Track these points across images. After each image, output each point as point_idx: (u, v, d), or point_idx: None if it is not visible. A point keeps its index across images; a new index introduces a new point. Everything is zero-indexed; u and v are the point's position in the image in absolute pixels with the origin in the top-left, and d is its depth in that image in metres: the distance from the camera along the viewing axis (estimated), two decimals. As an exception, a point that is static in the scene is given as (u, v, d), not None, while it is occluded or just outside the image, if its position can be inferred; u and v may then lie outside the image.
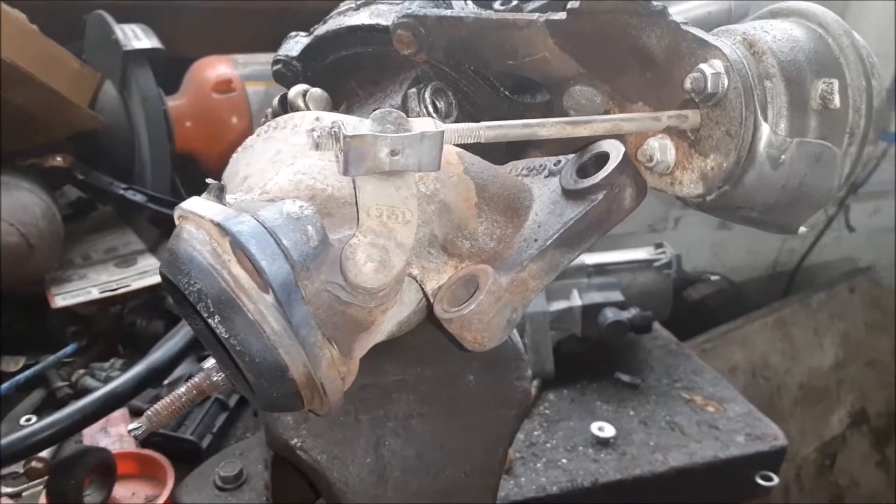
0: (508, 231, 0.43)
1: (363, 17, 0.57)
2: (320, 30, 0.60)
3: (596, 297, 1.18)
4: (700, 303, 2.65)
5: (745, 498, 1.09)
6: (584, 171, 0.42)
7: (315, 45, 0.60)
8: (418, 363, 0.60)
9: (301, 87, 0.55)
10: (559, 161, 0.45)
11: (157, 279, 1.21)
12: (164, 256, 0.46)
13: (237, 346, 0.42)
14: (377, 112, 0.39)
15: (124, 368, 1.12)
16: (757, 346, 2.49)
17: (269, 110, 0.58)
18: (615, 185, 0.40)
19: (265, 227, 0.39)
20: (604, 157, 0.42)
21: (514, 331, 0.66)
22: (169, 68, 1.46)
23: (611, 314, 1.17)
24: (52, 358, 1.11)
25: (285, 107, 0.56)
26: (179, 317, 1.20)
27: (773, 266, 2.87)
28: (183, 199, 1.42)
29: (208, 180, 0.47)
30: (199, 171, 1.54)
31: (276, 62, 0.62)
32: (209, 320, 0.42)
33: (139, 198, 1.29)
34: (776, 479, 1.07)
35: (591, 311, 1.17)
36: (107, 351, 1.17)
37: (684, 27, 0.45)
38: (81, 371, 1.11)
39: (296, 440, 0.57)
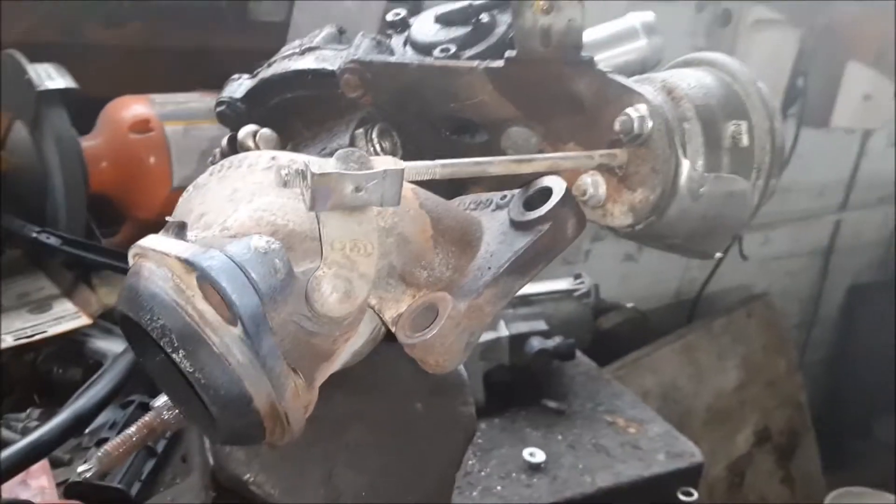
0: (462, 261, 0.46)
1: (309, 62, 0.60)
2: (265, 73, 0.63)
3: (522, 327, 1.23)
4: (611, 331, 2.76)
5: (668, 513, 1.15)
6: (530, 205, 0.46)
7: (260, 87, 0.62)
8: (367, 393, 0.62)
9: (251, 127, 0.57)
10: (505, 196, 0.49)
11: (74, 325, 1.17)
12: (123, 294, 0.46)
13: (202, 379, 0.43)
14: (340, 152, 0.42)
15: (42, 418, 1.07)
16: (666, 371, 2.61)
17: (217, 150, 0.59)
18: (559, 217, 0.45)
19: (234, 262, 0.41)
20: (547, 192, 0.46)
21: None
22: (78, 109, 1.43)
23: (536, 343, 1.21)
24: (-38, 410, 1.05)
25: (234, 147, 0.58)
26: (99, 363, 1.16)
27: (676, 294, 3.02)
28: (98, 242, 1.39)
29: (168, 218, 0.48)
30: (114, 212, 1.50)
31: (219, 103, 0.64)
32: (173, 355, 0.43)
33: (53, 241, 1.25)
34: (696, 495, 1.14)
35: (517, 341, 1.22)
36: (22, 400, 1.12)
37: (610, 75, 0.51)
38: (-5, 423, 1.05)
39: (248, 475, 0.57)
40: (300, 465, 0.59)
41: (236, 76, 0.66)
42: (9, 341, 1.11)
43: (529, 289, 1.30)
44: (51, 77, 1.32)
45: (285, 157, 0.50)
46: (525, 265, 0.45)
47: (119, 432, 0.88)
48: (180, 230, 0.46)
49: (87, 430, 1.04)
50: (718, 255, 0.53)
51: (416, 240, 0.46)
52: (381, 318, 0.48)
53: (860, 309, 3.43)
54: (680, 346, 2.65)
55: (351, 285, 0.43)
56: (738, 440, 2.76)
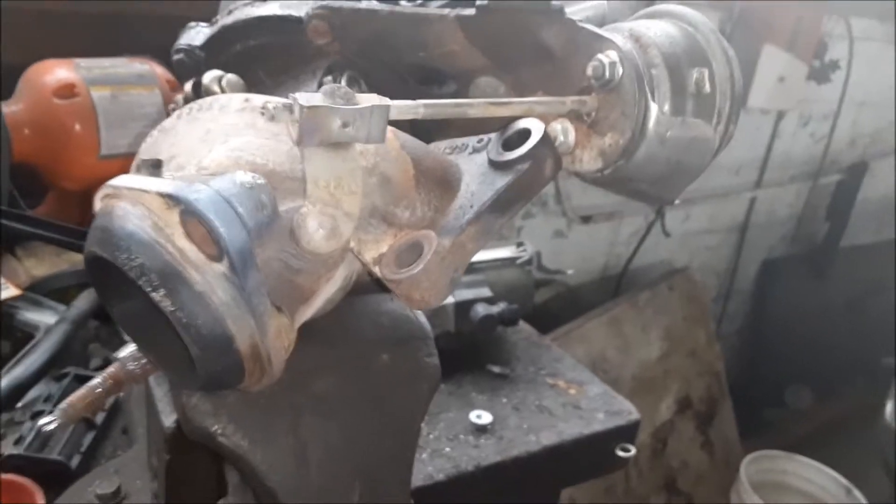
0: (444, 201, 0.47)
1: (274, 8, 0.59)
2: (226, 20, 0.61)
3: (467, 294, 1.25)
4: (543, 306, 2.83)
5: (609, 469, 1.20)
6: (508, 146, 0.47)
7: (221, 34, 0.61)
8: (333, 345, 0.62)
9: (216, 72, 0.56)
10: (482, 139, 0.50)
11: (2, 296, 1.12)
12: (95, 235, 0.45)
13: (183, 318, 0.42)
14: (326, 87, 0.41)
15: (-29, 393, 1.01)
16: (595, 343, 2.69)
17: (180, 96, 0.58)
18: (538, 157, 0.46)
19: (221, 195, 0.40)
20: (526, 133, 0.47)
21: (422, 314, 0.70)
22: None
23: (481, 309, 1.23)
24: None
25: (198, 93, 0.56)
26: (30, 335, 1.11)
27: (604, 269, 3.12)
28: (23, 212, 1.32)
29: (138, 158, 0.46)
30: (37, 183, 1.43)
31: (177, 51, 0.62)
32: (153, 294, 0.42)
33: (-26, 210, 1.18)
34: (633, 450, 1.19)
35: (463, 308, 1.23)
36: (-55, 376, 1.06)
37: (580, 24, 0.52)
38: (-82, 399, 0.99)
39: (216, 427, 0.57)
40: (268, 415, 0.58)
41: (192, 24, 0.64)
42: (-71, 314, 1.05)
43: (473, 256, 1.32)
44: (-34, 38, 1.24)
45: (259, 98, 0.49)
46: (506, 203, 0.46)
47: (55, 405, 0.85)
48: (155, 168, 0.45)
49: (20, 404, 1.00)
50: (677, 201, 0.55)
51: (399, 180, 0.47)
52: (360, 260, 0.48)
53: (773, 282, 3.63)
54: (607, 319, 2.74)
55: (336, 223, 0.43)
56: (661, 408, 2.88)
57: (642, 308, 2.88)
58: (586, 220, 2.81)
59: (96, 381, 0.53)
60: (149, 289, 0.42)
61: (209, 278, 0.42)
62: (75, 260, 1.27)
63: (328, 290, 0.49)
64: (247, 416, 0.58)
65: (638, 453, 2.84)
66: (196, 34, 0.62)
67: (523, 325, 1.42)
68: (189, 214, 0.40)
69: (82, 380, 1.06)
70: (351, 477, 0.60)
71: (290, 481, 0.58)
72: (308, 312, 0.49)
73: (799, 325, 3.42)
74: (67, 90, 1.38)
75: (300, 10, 0.57)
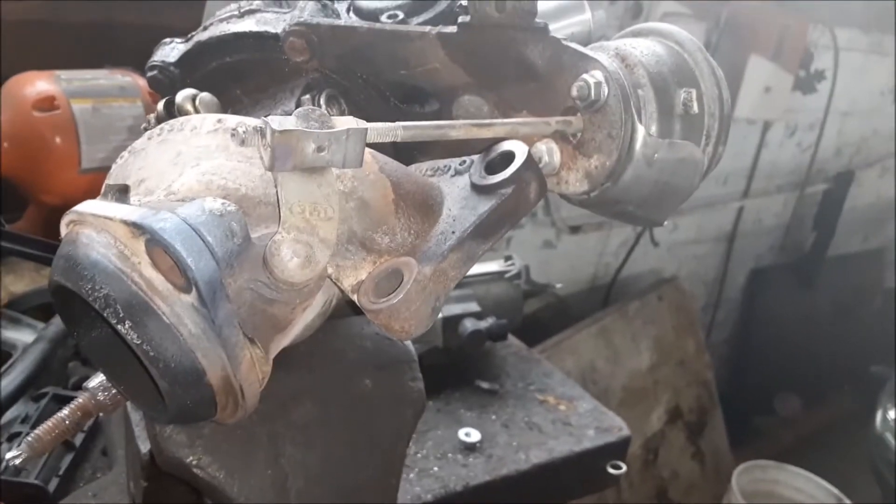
0: (424, 226, 0.45)
1: (250, 25, 0.57)
2: (201, 36, 0.59)
3: (455, 309, 1.23)
4: (532, 316, 2.82)
5: (599, 486, 1.18)
6: (491, 169, 0.46)
7: (196, 51, 0.59)
8: (314, 371, 0.61)
9: (189, 91, 0.54)
10: (464, 161, 0.48)
11: (-22, 314, 1.09)
12: (59, 263, 0.43)
13: (150, 351, 0.40)
14: (300, 110, 0.40)
15: (-56, 415, 0.99)
16: (584, 353, 2.68)
17: (153, 115, 0.56)
18: (522, 181, 0.44)
19: (188, 224, 0.39)
20: (510, 156, 0.45)
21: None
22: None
23: (470, 324, 1.21)
24: None
25: (171, 112, 0.54)
26: (8, 354, 1.08)
27: (593, 279, 3.11)
28: (2, 227, 1.29)
29: (107, 182, 0.45)
30: (16, 197, 1.41)
31: (151, 68, 0.60)
32: (118, 326, 0.40)
33: (-49, 225, 1.15)
34: (624, 467, 1.17)
35: (451, 323, 1.21)
36: (-82, 398, 1.03)
37: (565, 42, 0.51)
38: None
39: (191, 458, 0.55)
40: (246, 445, 0.56)
41: (168, 40, 0.62)
42: None
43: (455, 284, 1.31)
44: (-57, 49, 1.22)
45: (233, 119, 0.47)
46: (489, 229, 0.44)
47: (34, 427, 0.83)
48: (122, 194, 0.43)
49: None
50: (666, 222, 0.54)
51: (377, 204, 0.45)
52: (339, 287, 0.46)
53: (761, 291, 3.63)
54: (597, 330, 2.73)
55: (312, 250, 0.41)
56: (652, 418, 2.87)
57: (632, 318, 2.87)
58: (575, 230, 2.80)
59: (64, 412, 0.51)
60: (114, 320, 0.40)
61: (178, 309, 0.40)
62: (54, 276, 1.24)
63: (305, 318, 0.47)
64: (223, 447, 0.56)
65: (629, 464, 2.82)
66: (171, 50, 0.60)
67: (512, 340, 1.41)
68: (155, 243, 0.38)
69: (61, 400, 1.03)
70: (333, 506, 0.59)
71: (269, 513, 0.56)
72: (284, 342, 0.47)
73: (787, 333, 3.42)
74: (47, 103, 1.36)
75: (277, 27, 0.56)
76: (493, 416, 1.19)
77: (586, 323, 2.73)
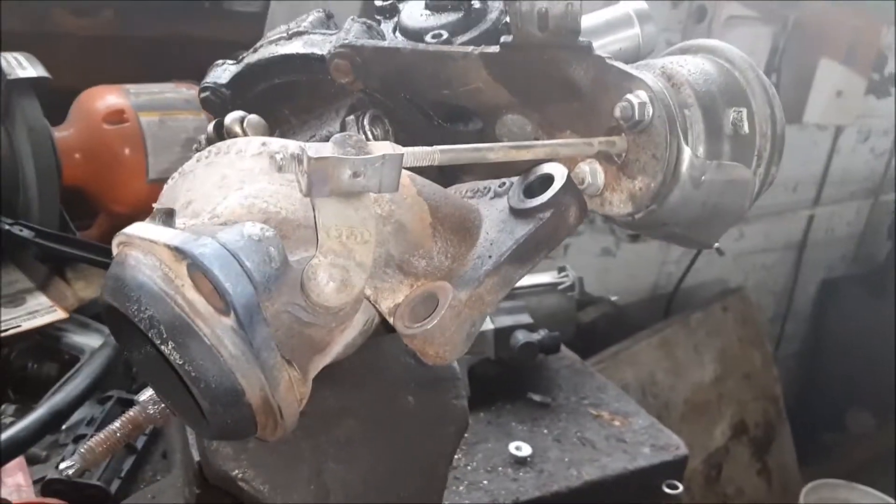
0: (462, 250, 0.45)
1: (297, 47, 0.58)
2: (251, 58, 0.61)
3: (507, 321, 1.22)
4: (590, 326, 2.77)
5: (653, 506, 1.15)
6: (530, 192, 0.45)
7: (246, 72, 0.61)
8: (357, 387, 0.61)
9: (238, 113, 0.55)
10: (503, 183, 0.48)
11: (49, 319, 1.14)
12: (108, 284, 0.44)
13: (192, 371, 0.42)
14: (337, 136, 0.40)
15: (17, 415, 1.04)
16: (644, 364, 2.62)
17: (203, 137, 0.57)
18: (561, 205, 0.44)
19: (227, 249, 0.39)
20: (549, 179, 0.45)
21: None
22: (46, 101, 1.39)
23: (521, 336, 1.20)
24: (-67, 407, 1.01)
25: (221, 133, 0.56)
26: (76, 358, 1.13)
27: (653, 289, 3.04)
28: (73, 235, 1.35)
29: (154, 206, 0.46)
30: (87, 206, 1.47)
31: (203, 89, 0.62)
32: (162, 347, 0.41)
33: (27, 233, 1.21)
34: (681, 487, 1.14)
35: (503, 334, 1.21)
36: (-5, 397, 1.09)
37: (609, 61, 0.50)
38: (-33, 421, 1.02)
39: (236, 471, 0.56)
40: (290, 460, 0.57)
41: (220, 62, 0.64)
42: (-20, 337, 1.08)
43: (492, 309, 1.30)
44: (21, 66, 1.28)
45: (276, 142, 0.48)
46: (526, 254, 0.44)
47: (98, 429, 0.86)
48: (168, 217, 0.44)
49: (64, 427, 1.02)
50: (717, 244, 0.52)
51: (414, 228, 0.45)
52: (377, 309, 0.46)
53: (833, 303, 3.49)
54: (657, 341, 2.67)
55: (348, 274, 0.42)
56: (715, 433, 2.78)
57: (694, 329, 2.79)
58: (635, 237, 2.75)
59: (115, 425, 0.53)
60: (158, 341, 0.41)
61: (218, 332, 0.41)
62: (121, 283, 1.29)
63: (344, 339, 0.47)
64: (268, 461, 0.57)
65: (690, 480, 2.74)
66: (222, 72, 0.62)
67: (566, 352, 1.39)
68: (195, 268, 0.39)
69: (125, 403, 1.07)
70: (374, 524, 0.59)
71: (311, 528, 0.57)
72: (323, 362, 0.47)
73: (860, 346, 3.27)
74: (117, 116, 1.42)
75: (323, 49, 0.57)
76: (545, 430, 1.18)
77: (646, 333, 2.67)
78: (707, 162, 0.47)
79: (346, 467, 0.59)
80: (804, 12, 2.69)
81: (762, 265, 3.26)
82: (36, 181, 1.27)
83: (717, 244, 0.52)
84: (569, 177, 0.44)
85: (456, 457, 1.10)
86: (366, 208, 0.42)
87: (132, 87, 1.48)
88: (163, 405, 0.54)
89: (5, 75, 1.25)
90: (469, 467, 1.08)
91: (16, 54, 1.31)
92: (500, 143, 0.45)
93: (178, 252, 0.40)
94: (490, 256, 0.44)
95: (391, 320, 0.45)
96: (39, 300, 1.20)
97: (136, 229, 0.44)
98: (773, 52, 2.71)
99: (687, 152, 0.46)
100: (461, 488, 1.04)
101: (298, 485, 0.57)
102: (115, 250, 0.47)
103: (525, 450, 1.10)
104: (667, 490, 1.13)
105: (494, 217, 0.46)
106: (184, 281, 0.41)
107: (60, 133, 1.39)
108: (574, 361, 1.38)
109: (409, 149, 0.42)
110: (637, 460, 1.13)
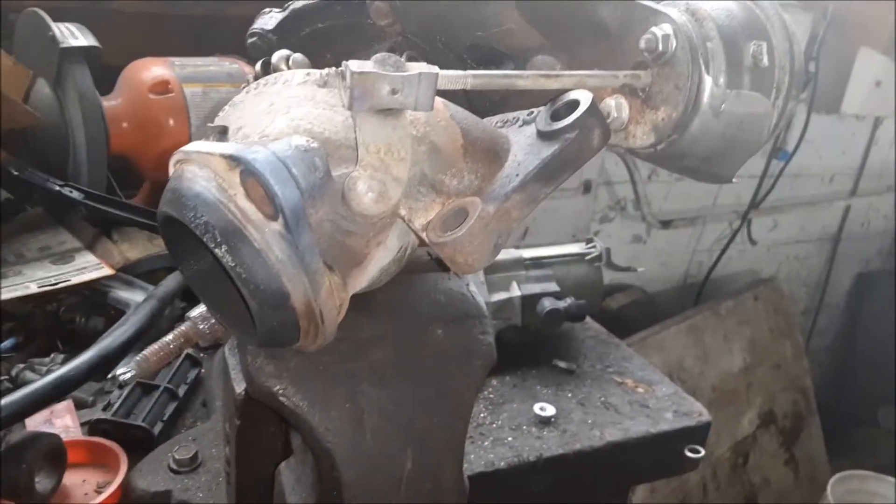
0: (491, 170, 0.48)
1: (340, -8, 0.62)
2: (296, 4, 0.65)
3: (534, 288, 1.24)
4: (618, 312, 2.78)
5: (677, 469, 1.17)
6: (556, 116, 0.48)
7: (291, 18, 0.64)
8: (390, 319, 0.64)
9: (284, 52, 0.59)
10: (531, 112, 0.51)
11: (97, 274, 1.20)
12: (166, 196, 0.48)
13: (243, 273, 0.45)
14: (378, 55, 0.44)
15: (66, 363, 1.09)
16: (673, 351, 2.62)
17: (251, 75, 0.61)
18: (586, 126, 0.46)
19: (277, 157, 0.43)
20: (574, 104, 0.48)
21: (479, 295, 0.72)
22: (94, 75, 1.45)
23: (548, 303, 1.23)
24: (-12, 352, 1.08)
25: (267, 71, 0.60)
26: (121, 312, 1.19)
27: (684, 278, 3.04)
28: (120, 199, 1.40)
29: (207, 125, 0.50)
30: (132, 174, 1.53)
31: (251, 35, 0.66)
32: (216, 250, 0.45)
33: (76, 195, 1.27)
34: (703, 452, 1.15)
35: (529, 301, 1.23)
36: (45, 349, 1.15)
37: (635, -1, 0.52)
38: (21, 366, 1.08)
39: (278, 387, 0.60)
40: (327, 380, 0.61)
41: (266, 10, 0.67)
42: (33, 289, 1.14)
43: (541, 252, 1.32)
44: (74, 35, 1.34)
45: (319, 73, 0.52)
46: (552, 172, 0.46)
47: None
48: (221, 135, 0.48)
49: (109, 375, 1.07)
50: (735, 180, 0.54)
51: (447, 149, 0.48)
52: (410, 228, 0.50)
53: (867, 297, 3.44)
54: (686, 327, 2.67)
55: (385, 187, 0.45)
56: (742, 421, 2.78)
57: (724, 317, 2.79)
58: (666, 224, 2.75)
59: (168, 337, 0.57)
60: (212, 245, 0.45)
61: (267, 237, 0.45)
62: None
63: (381, 258, 0.51)
64: (307, 380, 0.61)
65: (716, 467, 2.73)
66: (269, 19, 0.66)
67: (592, 323, 1.41)
68: (248, 174, 0.43)
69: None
70: (404, 443, 0.62)
71: (347, 444, 0.61)
72: (362, 278, 0.51)
73: (893, 342, 3.22)
74: (162, 86, 1.47)
75: (365, -7, 0.60)
76: (569, 394, 1.20)
77: (675, 320, 2.67)
78: (727, 91, 0.49)
79: (379, 391, 0.62)
80: (845, 0, 2.66)
81: (795, 256, 3.23)
82: (86, 146, 1.34)
83: (735, 179, 0.54)
84: (594, 101, 0.47)
85: (481, 415, 1.13)
86: (402, 128, 0.46)
87: (177, 60, 1.53)
88: (211, 322, 0.58)
89: (59, 43, 1.31)
90: (494, 425, 1.11)
91: (69, 24, 1.37)
92: (530, 72, 0.48)
93: (232, 159, 0.44)
94: (517, 175, 0.47)
95: (423, 235, 0.48)
96: (87, 258, 1.26)
97: (193, 146, 0.48)
98: (812, 40, 2.68)
99: (708, 82, 0.48)
100: (486, 443, 1.07)
101: (335, 403, 0.60)
102: (171, 169, 0.51)
103: (549, 410, 1.13)
104: (689, 454, 1.14)
105: (522, 142, 0.49)
106: (236, 190, 0.45)
107: (108, 103, 1.45)
108: (599, 332, 1.40)
109: (444, 71, 0.45)
110: (660, 424, 1.15)
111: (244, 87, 0.58)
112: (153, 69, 1.49)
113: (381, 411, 0.62)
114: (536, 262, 1.30)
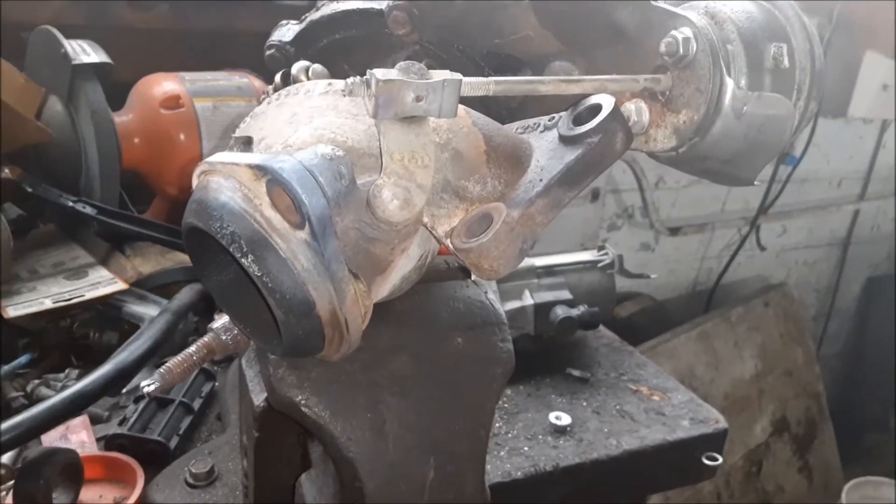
0: (514, 176, 0.48)
1: (357, 2, 0.62)
2: (314, 16, 0.65)
3: (547, 297, 1.24)
4: (628, 320, 2.77)
5: (694, 478, 1.16)
6: (579, 120, 0.48)
7: (309, 29, 0.65)
8: (410, 328, 0.64)
9: (303, 63, 0.59)
10: (553, 117, 0.51)
11: (111, 289, 1.20)
12: (192, 207, 0.48)
13: (269, 283, 0.45)
14: (402, 63, 0.44)
15: (81, 378, 1.09)
16: (683, 358, 2.61)
17: (271, 87, 0.62)
18: (609, 130, 0.46)
19: (303, 165, 0.43)
20: (597, 108, 0.48)
21: (497, 302, 0.72)
22: (107, 91, 1.46)
23: (561, 311, 1.23)
24: (5, 368, 1.08)
25: (287, 82, 0.60)
26: (135, 327, 1.19)
27: (693, 285, 3.03)
28: (133, 214, 1.41)
29: (232, 138, 0.50)
30: (143, 189, 1.53)
31: (269, 47, 0.66)
32: (242, 260, 0.45)
33: (89, 210, 1.28)
34: (720, 459, 1.15)
35: (542, 310, 1.23)
36: (60, 363, 1.15)
37: (653, 3, 0.52)
38: (36, 381, 1.08)
39: (300, 397, 0.59)
40: (348, 390, 0.61)
41: (284, 22, 0.68)
42: (47, 304, 1.14)
43: (554, 259, 1.32)
44: (85, 52, 1.36)
45: (341, 82, 0.52)
46: (575, 176, 0.46)
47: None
48: (246, 145, 0.48)
49: (124, 390, 1.07)
50: (756, 182, 0.54)
51: (470, 155, 0.48)
52: (433, 235, 0.50)
53: (878, 302, 3.42)
54: (697, 334, 2.66)
55: (410, 194, 0.45)
56: (755, 429, 2.76)
57: (735, 324, 2.77)
58: (674, 231, 2.74)
59: (192, 349, 0.57)
60: (239, 255, 0.45)
61: (293, 246, 0.45)
62: (179, 259, 1.35)
63: (403, 265, 0.51)
64: (329, 390, 0.61)
65: (730, 475, 2.71)
66: (287, 31, 0.66)
67: (605, 331, 1.41)
68: (274, 183, 0.43)
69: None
70: (427, 452, 0.62)
71: (369, 453, 0.60)
72: (385, 286, 0.51)
73: (907, 347, 3.21)
74: (173, 101, 1.48)
75: (381, 3, 0.60)
76: (584, 403, 1.20)
77: (686, 328, 2.66)
78: (749, 93, 0.49)
79: (400, 400, 0.62)
80: (849, 3, 2.66)
81: (805, 262, 3.22)
82: (98, 162, 1.34)
83: (756, 182, 0.54)
84: (616, 105, 0.47)
85: (497, 425, 1.13)
86: (426, 135, 0.46)
87: (187, 75, 1.54)
88: (234, 333, 0.58)
89: (71, 60, 1.32)
90: (510, 435, 1.11)
91: (80, 42, 1.38)
92: (551, 77, 0.49)
93: (259, 169, 0.44)
94: (541, 180, 0.47)
95: (447, 242, 0.48)
96: (101, 273, 1.26)
97: (218, 157, 0.48)
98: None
99: (730, 84, 0.49)
100: (502, 453, 1.06)
101: (357, 412, 0.60)
102: (195, 181, 0.51)
103: (565, 419, 1.12)
104: (706, 462, 1.14)
105: (544, 147, 0.49)
106: (262, 200, 0.45)
107: (120, 118, 1.46)
108: (613, 340, 1.39)
109: (467, 78, 0.45)
110: (676, 432, 1.14)
111: (265, 99, 0.59)
112: (164, 84, 1.50)
113: (403, 420, 0.62)
114: (549, 271, 1.30)
